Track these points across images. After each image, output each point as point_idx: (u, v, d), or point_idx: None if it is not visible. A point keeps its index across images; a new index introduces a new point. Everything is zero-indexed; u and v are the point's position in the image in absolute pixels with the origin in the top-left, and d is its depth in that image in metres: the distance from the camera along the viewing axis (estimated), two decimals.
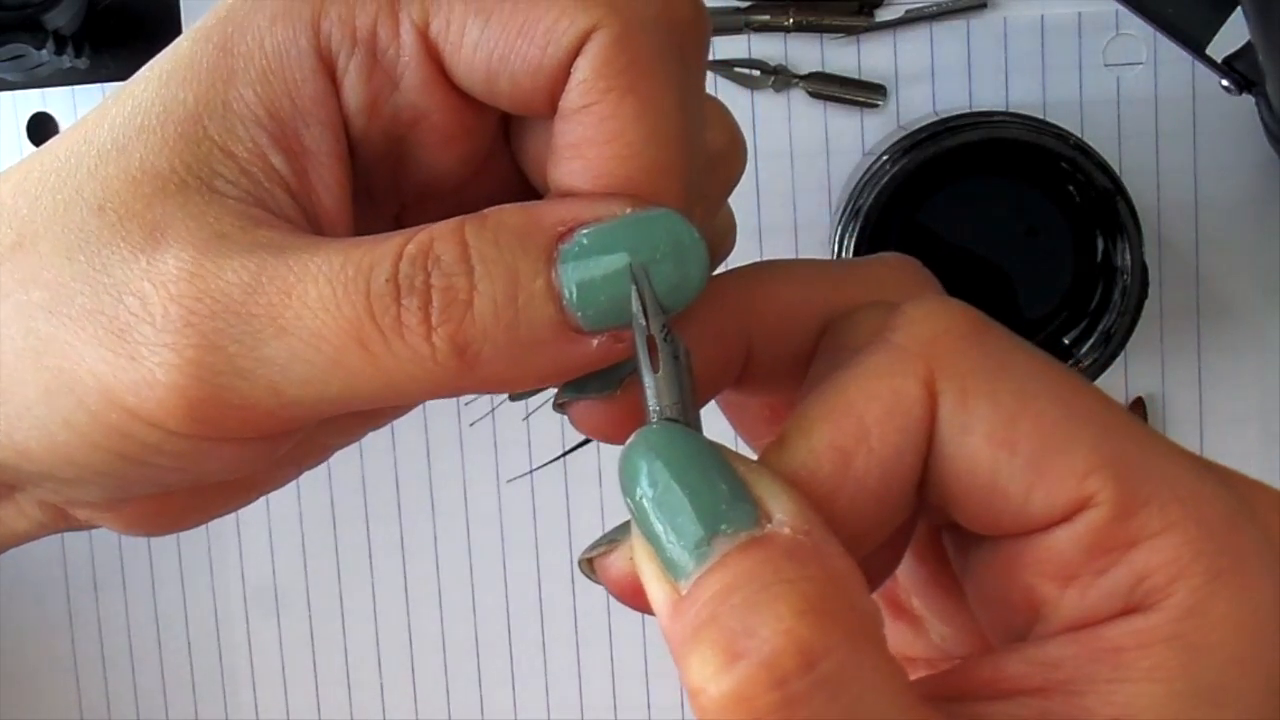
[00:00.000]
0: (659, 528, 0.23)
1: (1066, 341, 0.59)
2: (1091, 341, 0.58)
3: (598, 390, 0.26)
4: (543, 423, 0.66)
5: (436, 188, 0.28)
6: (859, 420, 0.24)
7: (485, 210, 0.25)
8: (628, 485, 0.23)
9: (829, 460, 0.24)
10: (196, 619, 0.68)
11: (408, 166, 0.28)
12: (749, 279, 0.27)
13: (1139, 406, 0.64)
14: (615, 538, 0.25)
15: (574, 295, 0.24)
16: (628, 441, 0.24)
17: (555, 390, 0.27)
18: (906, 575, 0.29)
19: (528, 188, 0.29)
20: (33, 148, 0.65)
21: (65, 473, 0.26)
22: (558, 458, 0.66)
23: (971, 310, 0.25)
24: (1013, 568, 0.24)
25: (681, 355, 0.25)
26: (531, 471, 0.66)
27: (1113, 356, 0.58)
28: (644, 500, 0.23)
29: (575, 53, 0.25)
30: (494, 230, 0.24)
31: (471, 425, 0.66)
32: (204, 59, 0.26)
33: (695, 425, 0.25)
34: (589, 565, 0.25)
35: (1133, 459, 0.23)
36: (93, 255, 0.25)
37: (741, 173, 0.30)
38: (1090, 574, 0.24)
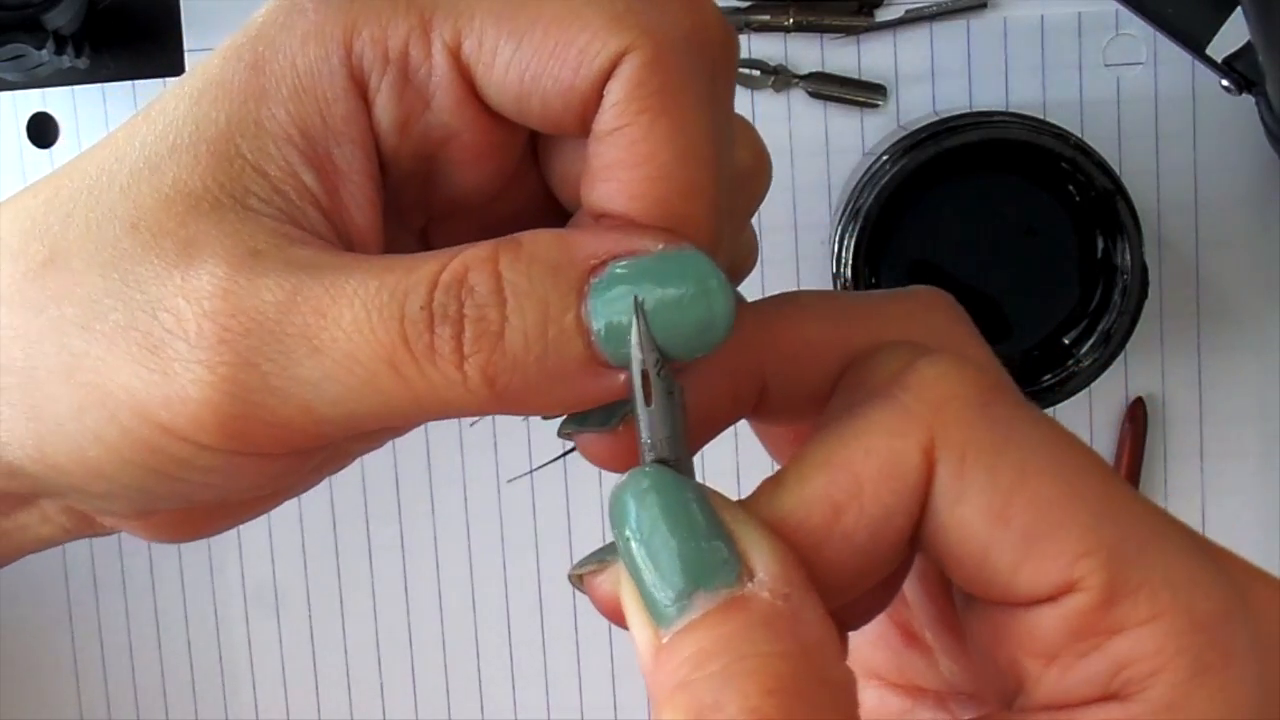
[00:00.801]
0: (644, 574, 0.23)
1: (1066, 341, 0.59)
2: (1091, 341, 0.58)
3: (598, 424, 0.27)
4: (542, 423, 0.65)
5: (464, 203, 0.28)
6: (854, 476, 0.24)
7: (519, 236, 0.25)
8: (616, 525, 0.24)
9: (819, 511, 0.24)
10: (196, 619, 0.68)
11: (437, 183, 0.28)
12: (768, 316, 0.27)
13: (1139, 406, 0.64)
14: (605, 558, 0.25)
15: (603, 331, 0.24)
16: (619, 482, 0.24)
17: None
18: (918, 608, 0.29)
19: (554, 203, 0.29)
20: (33, 148, 0.65)
21: (95, 487, 0.26)
22: (558, 458, 0.65)
23: (986, 374, 0.25)
24: (1000, 634, 0.25)
25: (675, 391, 0.25)
26: (531, 471, 0.66)
27: (1113, 356, 0.58)
28: (631, 543, 0.24)
29: (607, 75, 0.25)
30: (527, 262, 0.25)
31: (471, 425, 0.66)
32: (235, 78, 0.26)
33: (686, 461, 0.25)
34: (579, 580, 0.26)
35: (1127, 544, 0.23)
36: (126, 272, 0.25)
37: (767, 190, 0.30)
38: (1071, 656, 0.24)
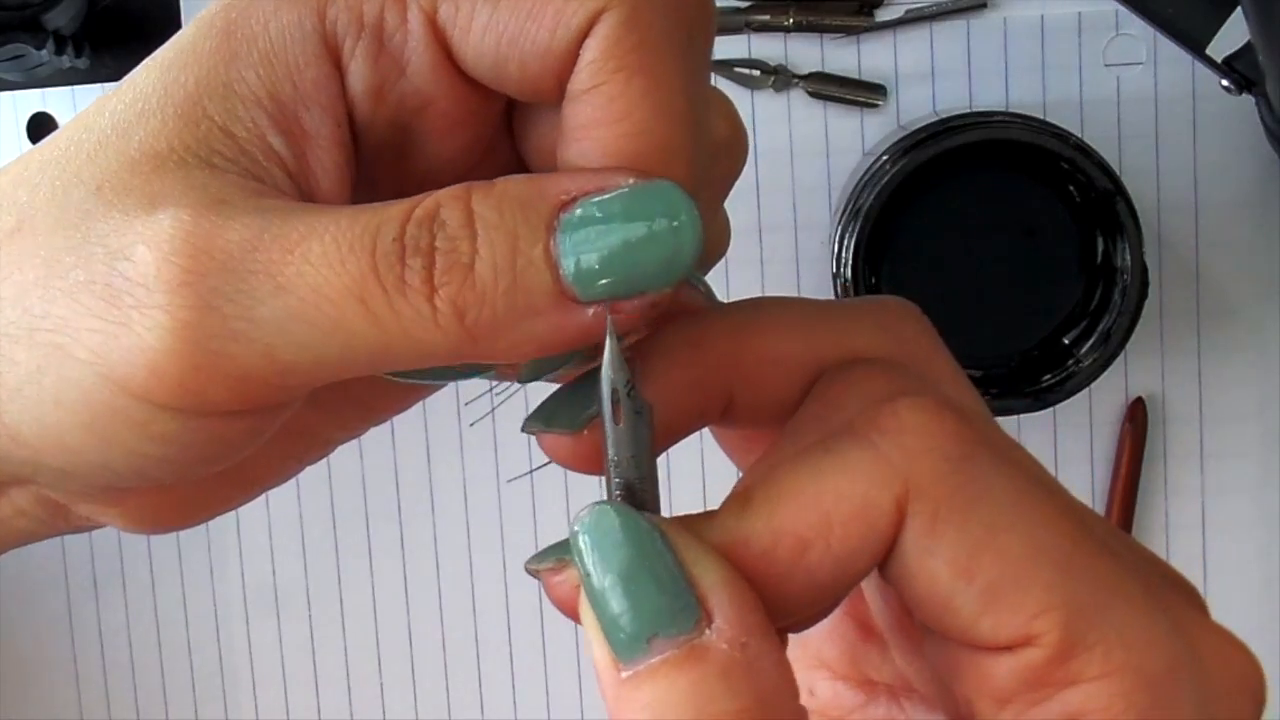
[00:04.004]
0: (602, 611, 0.23)
1: (1066, 341, 0.59)
2: (1091, 341, 0.58)
3: (563, 427, 0.26)
4: None
5: (439, 176, 0.28)
6: (825, 516, 0.24)
7: (494, 179, 0.25)
8: (577, 559, 0.24)
9: (786, 545, 0.24)
10: (196, 619, 0.68)
11: (411, 154, 0.28)
12: (736, 328, 0.27)
13: (1139, 406, 0.64)
14: (564, 556, 0.25)
15: (571, 265, 0.24)
16: (580, 516, 0.24)
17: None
18: (876, 611, 0.29)
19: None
20: (33, 148, 0.65)
21: (55, 459, 0.26)
22: None
23: (962, 425, 0.25)
24: (957, 670, 0.25)
25: (644, 411, 0.25)
26: (531, 472, 0.66)
27: (1113, 356, 0.58)
28: (591, 580, 0.24)
29: (584, 35, 0.25)
30: (498, 197, 0.25)
31: (471, 425, 0.66)
32: (206, 43, 0.26)
33: (651, 481, 0.25)
34: (535, 573, 0.25)
35: (1087, 602, 0.24)
36: (89, 229, 0.25)
37: (744, 164, 0.30)
38: (1024, 703, 0.24)
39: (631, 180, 0.25)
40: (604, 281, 0.24)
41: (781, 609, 0.24)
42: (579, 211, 0.25)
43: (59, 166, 0.26)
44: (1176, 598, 0.25)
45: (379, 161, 0.28)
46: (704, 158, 0.26)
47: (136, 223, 0.25)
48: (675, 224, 0.25)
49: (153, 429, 0.25)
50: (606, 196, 0.25)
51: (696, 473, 0.63)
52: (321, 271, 0.24)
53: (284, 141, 0.26)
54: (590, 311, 0.25)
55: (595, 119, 0.25)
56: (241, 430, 0.26)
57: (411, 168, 0.28)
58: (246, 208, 0.25)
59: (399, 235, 0.24)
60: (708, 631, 0.23)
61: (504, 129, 0.29)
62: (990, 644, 0.24)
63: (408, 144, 0.28)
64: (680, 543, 0.24)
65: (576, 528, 0.24)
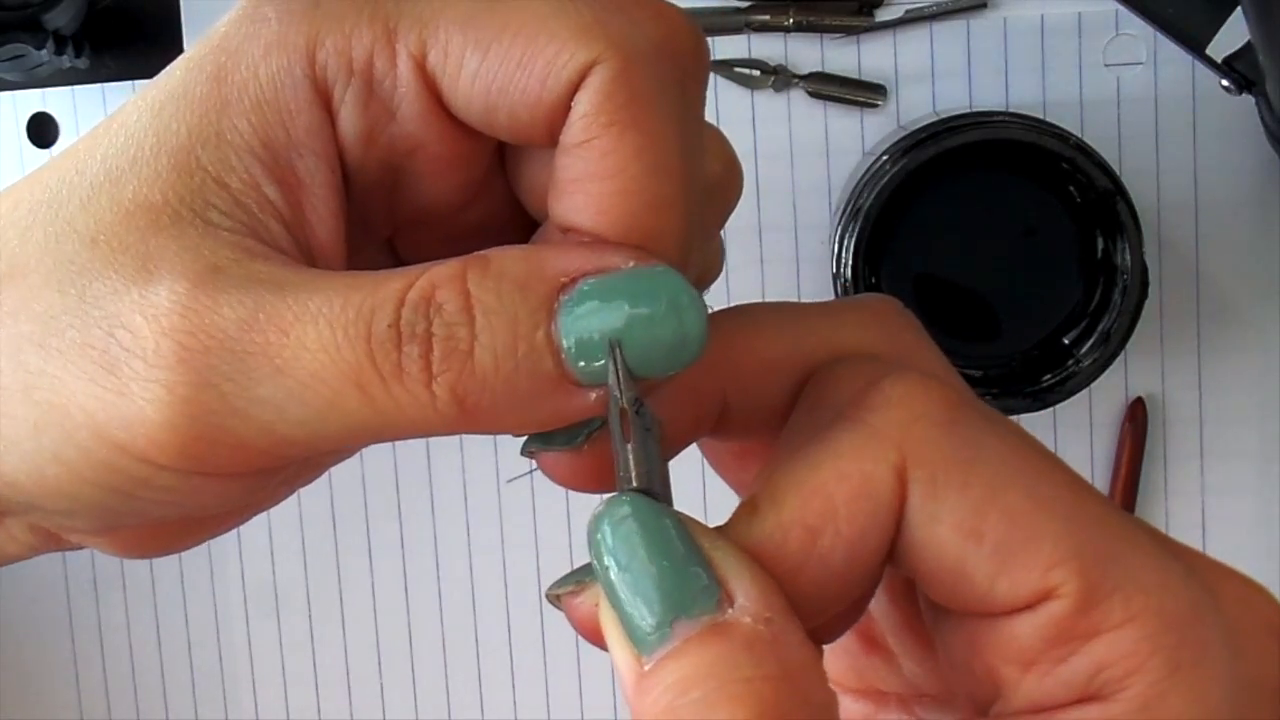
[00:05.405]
0: (624, 601, 0.23)
1: (1066, 341, 0.59)
2: (1091, 341, 0.58)
3: (562, 444, 0.26)
4: None
5: (431, 213, 0.28)
6: (828, 500, 0.24)
7: (487, 253, 0.25)
8: (595, 553, 0.24)
9: (796, 537, 0.24)
10: (196, 619, 0.68)
11: (403, 193, 0.28)
12: (725, 334, 0.27)
13: (1139, 406, 0.64)
14: (583, 578, 0.25)
15: (573, 349, 0.24)
16: (597, 508, 0.24)
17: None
18: (881, 615, 0.29)
19: (523, 212, 0.29)
20: (33, 148, 0.65)
21: (54, 504, 0.26)
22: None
23: (949, 392, 0.25)
24: (977, 644, 0.25)
25: (653, 427, 0.25)
26: (531, 472, 0.66)
27: (1113, 356, 0.58)
28: (610, 572, 0.23)
29: (575, 87, 0.25)
30: (495, 279, 0.24)
31: None
32: (197, 88, 0.26)
33: (665, 495, 0.25)
34: (556, 599, 0.25)
35: (1099, 550, 0.24)
36: (84, 288, 0.25)
37: (738, 199, 0.29)
38: (1050, 661, 0.24)
39: (632, 262, 0.25)
40: (608, 367, 0.24)
41: (805, 606, 0.24)
42: (579, 292, 0.24)
43: (51, 210, 0.26)
44: (1181, 546, 0.25)
45: (371, 201, 0.28)
46: (697, 204, 0.26)
47: (133, 290, 0.24)
48: (680, 312, 0.24)
49: (156, 483, 0.25)
50: (607, 279, 0.24)
51: (697, 481, 0.63)
52: (318, 358, 0.24)
53: (278, 190, 0.26)
54: (593, 395, 0.25)
55: (588, 173, 0.25)
56: (246, 484, 0.26)
57: (404, 206, 0.28)
58: (240, 277, 0.24)
59: (394, 321, 0.24)
60: (730, 610, 0.23)
61: (497, 165, 0.28)
62: (1009, 605, 0.24)
63: (399, 184, 0.27)
64: (698, 530, 0.24)
65: (595, 519, 0.24)
